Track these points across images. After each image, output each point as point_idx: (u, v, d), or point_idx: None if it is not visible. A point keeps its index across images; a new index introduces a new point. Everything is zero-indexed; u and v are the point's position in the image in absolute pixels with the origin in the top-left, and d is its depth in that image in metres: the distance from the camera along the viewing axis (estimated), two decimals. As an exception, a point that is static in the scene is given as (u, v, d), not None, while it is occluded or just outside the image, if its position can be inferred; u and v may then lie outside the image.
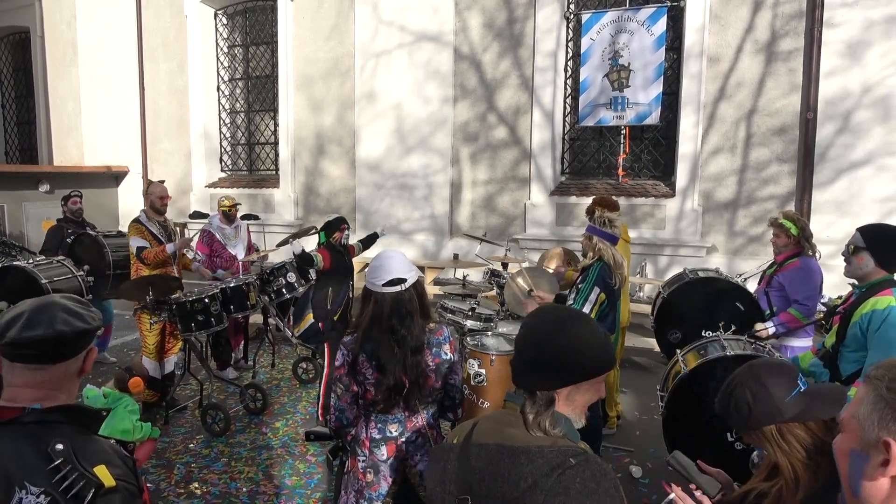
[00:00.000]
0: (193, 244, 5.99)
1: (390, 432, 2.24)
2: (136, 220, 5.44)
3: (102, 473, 1.32)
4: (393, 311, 2.20)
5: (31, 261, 5.52)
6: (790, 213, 4.19)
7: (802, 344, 4.15)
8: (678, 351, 3.64)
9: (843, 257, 3.06)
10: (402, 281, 2.22)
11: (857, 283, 3.04)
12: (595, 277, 3.66)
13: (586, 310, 3.63)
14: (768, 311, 4.18)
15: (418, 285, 2.31)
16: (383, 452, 2.24)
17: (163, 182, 5.73)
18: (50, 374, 1.43)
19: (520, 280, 4.64)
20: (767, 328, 4.06)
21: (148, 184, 5.70)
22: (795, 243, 4.10)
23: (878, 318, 2.74)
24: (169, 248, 5.34)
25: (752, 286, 4.50)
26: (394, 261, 2.27)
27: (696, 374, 3.30)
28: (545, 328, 1.50)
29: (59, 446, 1.31)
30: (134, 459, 1.51)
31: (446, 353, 2.29)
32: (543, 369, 1.46)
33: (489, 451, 1.42)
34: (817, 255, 4.16)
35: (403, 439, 2.25)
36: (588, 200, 9.01)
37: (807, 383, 1.58)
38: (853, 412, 1.01)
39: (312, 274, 6.34)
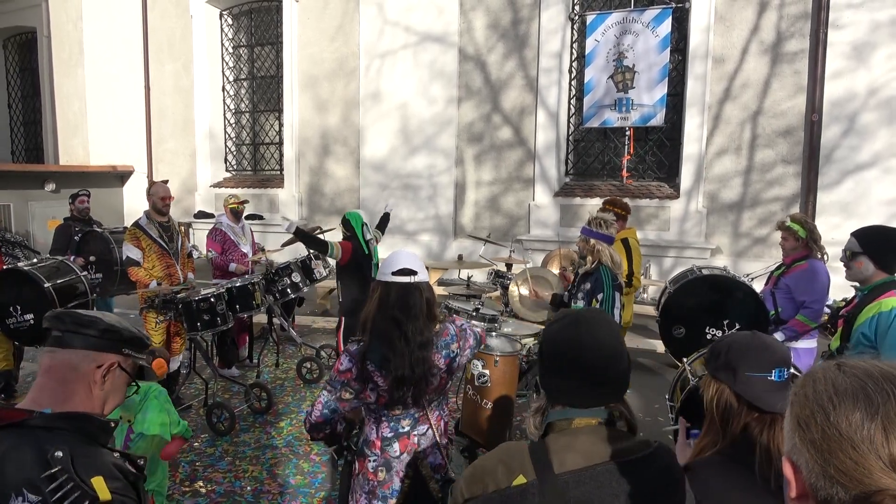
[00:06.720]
0: (204, 249, 6.04)
1: (403, 428, 2.23)
2: (136, 224, 5.35)
3: (99, 485, 1.27)
4: (399, 301, 2.16)
5: (34, 260, 5.53)
6: (798, 216, 4.17)
7: (807, 346, 4.15)
8: (685, 359, 3.64)
9: (843, 263, 3.06)
10: (412, 272, 2.21)
11: (859, 285, 3.04)
12: (612, 283, 3.72)
13: (616, 314, 3.72)
14: (773, 312, 4.17)
15: (426, 288, 2.31)
16: (396, 449, 2.23)
17: (166, 182, 5.69)
18: (57, 360, 1.41)
19: (521, 285, 4.66)
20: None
21: (151, 184, 5.65)
22: (804, 246, 4.09)
23: (886, 321, 2.75)
24: (152, 285, 5.18)
25: (758, 286, 4.49)
26: (407, 256, 2.29)
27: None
28: (605, 334, 1.44)
29: (59, 454, 1.26)
30: (138, 475, 1.42)
31: (454, 351, 2.27)
32: (626, 376, 1.48)
33: (596, 475, 1.33)
34: (825, 257, 4.16)
35: (416, 433, 2.25)
36: (592, 202, 9.09)
37: (783, 378, 1.52)
38: (790, 454, 0.82)
39: (318, 274, 6.37)
